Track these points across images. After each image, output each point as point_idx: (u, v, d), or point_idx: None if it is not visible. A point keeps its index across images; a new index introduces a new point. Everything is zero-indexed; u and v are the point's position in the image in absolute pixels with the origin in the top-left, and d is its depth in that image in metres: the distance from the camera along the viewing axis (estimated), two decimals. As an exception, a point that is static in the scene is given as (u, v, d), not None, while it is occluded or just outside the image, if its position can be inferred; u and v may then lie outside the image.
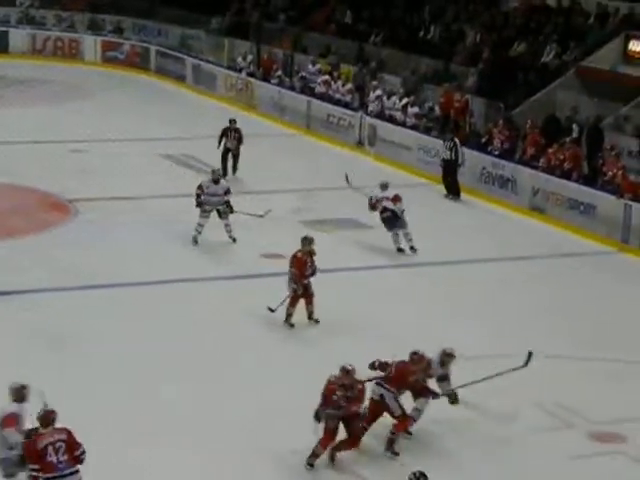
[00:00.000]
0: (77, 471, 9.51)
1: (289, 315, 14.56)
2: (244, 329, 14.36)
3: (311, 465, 10.96)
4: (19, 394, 10.16)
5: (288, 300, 14.52)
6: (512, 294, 16.37)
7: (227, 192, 17.59)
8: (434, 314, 15.19)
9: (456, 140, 21.74)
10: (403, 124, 24.69)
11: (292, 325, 14.55)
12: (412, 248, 17.79)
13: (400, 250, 17.83)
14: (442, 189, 21.85)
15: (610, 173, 19.71)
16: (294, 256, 14.59)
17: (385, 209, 17.79)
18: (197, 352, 13.48)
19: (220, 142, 21.97)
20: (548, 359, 12.98)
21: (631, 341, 14.65)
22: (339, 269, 16.57)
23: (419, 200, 19.65)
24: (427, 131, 24.05)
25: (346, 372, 10.92)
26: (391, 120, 25.04)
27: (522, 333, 14.39)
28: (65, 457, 9.42)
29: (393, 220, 17.78)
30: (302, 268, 14.47)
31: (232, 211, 17.57)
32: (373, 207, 18.06)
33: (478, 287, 16.60)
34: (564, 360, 13.56)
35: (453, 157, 21.56)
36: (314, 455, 11.00)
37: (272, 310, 14.50)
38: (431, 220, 19.71)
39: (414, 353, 11.41)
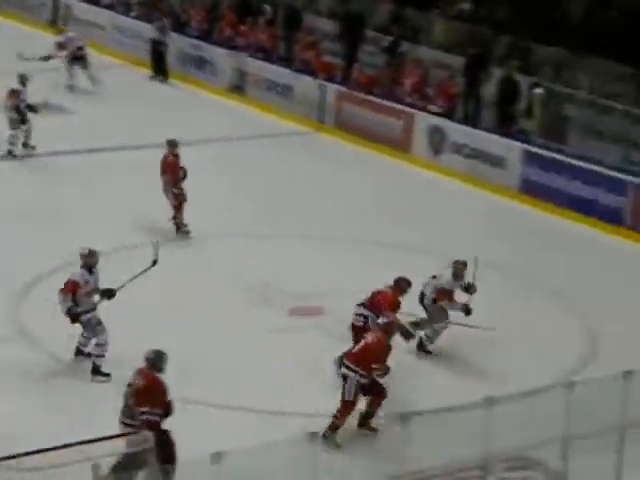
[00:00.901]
0: None
1: (180, 222, 13.75)
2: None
3: (337, 445, 9.37)
4: (85, 261, 10.14)
5: (173, 210, 13.72)
6: (211, 176, 16.33)
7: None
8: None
9: (165, 20, 21.49)
10: (97, 3, 24.02)
11: (188, 232, 13.78)
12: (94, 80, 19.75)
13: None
14: (141, 70, 21.49)
15: (305, 55, 19.99)
16: (164, 161, 13.75)
17: (80, 48, 20.07)
18: None
19: None
20: (247, 237, 13.16)
21: (333, 218, 15.03)
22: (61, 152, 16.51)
23: (122, 83, 19.25)
24: (126, 11, 23.52)
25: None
26: (85, -1, 24.31)
27: (224, 214, 14.54)
28: None
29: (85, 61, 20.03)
30: (175, 171, 13.69)
31: (37, 111, 16.78)
32: (60, 47, 19.99)
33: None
34: (264, 238, 13.81)
35: (162, 38, 21.28)
36: (334, 428, 9.43)
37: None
38: (136, 102, 19.46)
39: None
